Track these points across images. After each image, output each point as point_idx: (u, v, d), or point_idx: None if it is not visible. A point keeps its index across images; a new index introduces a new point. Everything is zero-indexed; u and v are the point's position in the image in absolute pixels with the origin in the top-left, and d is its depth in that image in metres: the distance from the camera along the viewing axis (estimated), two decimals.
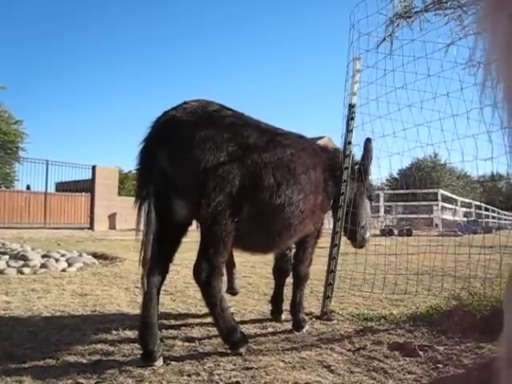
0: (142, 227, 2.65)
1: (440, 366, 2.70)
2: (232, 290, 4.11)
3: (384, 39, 4.37)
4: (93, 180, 19.16)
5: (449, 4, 4.06)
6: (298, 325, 3.50)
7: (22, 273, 5.87)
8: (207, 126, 2.77)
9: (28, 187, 19.19)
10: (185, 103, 2.87)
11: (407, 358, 2.83)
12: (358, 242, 4.04)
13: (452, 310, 3.58)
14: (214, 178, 2.68)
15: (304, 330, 3.47)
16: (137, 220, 2.74)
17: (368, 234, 4.15)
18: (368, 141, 3.98)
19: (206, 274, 2.74)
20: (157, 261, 2.74)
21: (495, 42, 0.67)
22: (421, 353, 2.89)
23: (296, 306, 3.59)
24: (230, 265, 3.98)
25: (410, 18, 4.46)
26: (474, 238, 6.38)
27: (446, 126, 3.62)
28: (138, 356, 2.71)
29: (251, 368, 2.60)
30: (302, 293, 3.71)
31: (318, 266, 5.54)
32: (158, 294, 2.81)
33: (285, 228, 3.13)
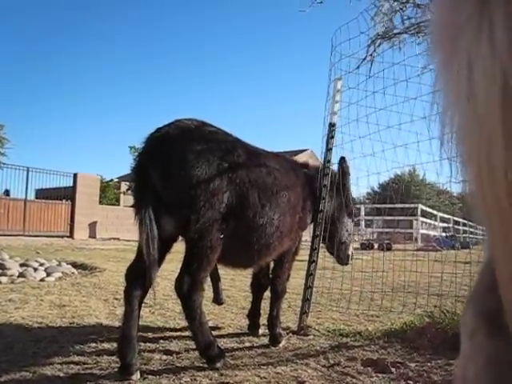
0: (143, 239, 2.66)
1: (411, 382, 2.78)
2: (218, 300, 4.18)
3: (365, 58, 4.51)
4: (74, 188, 19.01)
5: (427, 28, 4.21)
6: (274, 340, 3.55)
7: None
8: (199, 144, 2.87)
9: (7, 192, 18.93)
10: (177, 121, 2.97)
11: (380, 375, 2.91)
12: (340, 259, 4.15)
13: (425, 327, 3.67)
14: (204, 194, 2.77)
15: (280, 344, 3.53)
16: (139, 233, 2.74)
17: (350, 251, 4.23)
18: (342, 159, 4.11)
19: (188, 287, 2.79)
20: (140, 275, 2.78)
21: (447, 88, 0.65)
22: (393, 369, 2.97)
23: (273, 320, 3.64)
24: (215, 276, 4.03)
25: (390, 38, 4.61)
26: (451, 254, 6.53)
27: (423, 147, 3.75)
28: (116, 369, 2.73)
29: (227, 383, 2.65)
30: (279, 307, 3.78)
31: (297, 280, 5.60)
32: (140, 307, 2.85)
33: (265, 246, 3.23)
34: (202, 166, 2.78)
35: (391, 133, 3.94)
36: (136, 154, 2.95)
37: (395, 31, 4.57)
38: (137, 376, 2.66)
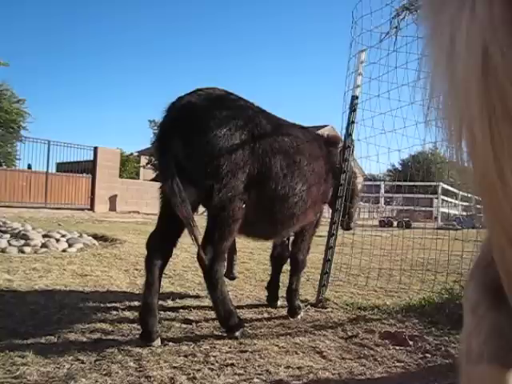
0: (176, 203, 2.63)
1: (428, 355, 2.79)
2: (231, 275, 4.20)
3: (388, 33, 4.38)
4: (94, 161, 19.17)
5: None
6: (293, 311, 3.58)
7: (23, 252, 5.94)
8: (222, 113, 2.84)
9: (29, 166, 19.21)
10: (199, 90, 2.93)
11: (397, 347, 2.92)
12: (345, 223, 4.18)
13: (444, 303, 3.66)
14: (227, 164, 2.76)
15: (299, 316, 3.56)
16: (172, 201, 2.67)
17: (356, 216, 4.29)
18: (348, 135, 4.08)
19: (210, 257, 2.81)
20: (161, 244, 2.83)
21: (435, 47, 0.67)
22: (411, 342, 2.98)
23: (292, 292, 3.67)
24: (231, 251, 4.05)
25: (416, 10, 4.46)
26: (472, 232, 6.44)
27: None
28: (137, 336, 2.80)
29: (246, 351, 2.69)
30: (299, 280, 3.80)
31: (316, 255, 5.62)
32: (161, 276, 2.89)
33: (288, 217, 3.23)
34: (225, 134, 2.76)
35: (413, 110, 3.84)
36: (156, 127, 2.95)
37: (420, 3, 4.42)
38: (158, 342, 2.72)
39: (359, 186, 4.46)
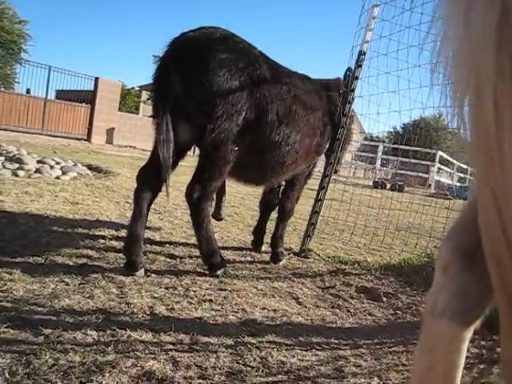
0: (159, 142, 2.68)
1: (399, 312, 2.92)
2: (217, 215, 4.26)
3: None
4: (94, 92, 18.85)
5: None
6: (275, 257, 3.68)
7: (16, 175, 5.96)
8: (223, 53, 2.81)
9: (28, 91, 18.87)
10: (203, 28, 2.90)
11: (371, 302, 3.04)
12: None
13: (422, 266, 3.77)
14: (223, 105, 2.75)
15: (281, 263, 3.67)
16: (157, 137, 2.75)
17: (346, 158, 4.32)
18: (348, 70, 4.02)
19: (198, 195, 2.86)
20: (151, 179, 2.87)
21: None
22: (384, 299, 3.10)
23: (277, 239, 3.76)
24: (221, 192, 4.10)
25: None
26: (460, 203, 6.52)
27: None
28: (122, 265, 2.88)
29: (225, 290, 2.80)
30: (285, 228, 3.88)
31: (305, 207, 5.71)
32: (148, 209, 2.95)
33: (279, 164, 3.26)
34: (224, 75, 2.74)
35: (419, 73, 3.79)
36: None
37: None
38: (141, 273, 2.81)
39: (353, 134, 4.46)
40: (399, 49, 3.81)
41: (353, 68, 4.03)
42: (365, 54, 4.03)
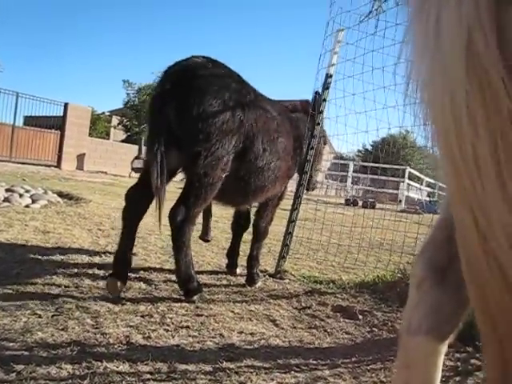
0: (153, 175, 2.71)
1: (375, 329, 2.95)
2: (204, 237, 4.30)
3: (370, 13, 4.39)
4: (64, 118, 18.66)
5: None
6: (251, 280, 3.69)
7: None
8: (217, 83, 2.95)
9: None
10: (195, 57, 3.03)
11: (347, 320, 3.07)
12: (310, 184, 4.31)
13: (396, 282, 3.83)
14: (218, 133, 2.86)
15: (256, 285, 3.67)
16: (151, 168, 2.75)
17: (319, 178, 4.44)
18: (317, 94, 4.14)
19: (182, 218, 2.87)
20: (140, 198, 2.96)
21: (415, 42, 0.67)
22: (360, 317, 3.14)
23: (252, 261, 3.77)
24: (207, 214, 4.14)
25: None
26: (430, 217, 6.66)
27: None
28: (96, 294, 2.85)
29: (201, 315, 2.78)
30: (260, 248, 3.91)
31: (279, 228, 5.73)
32: (136, 227, 3.05)
33: (260, 188, 3.39)
34: (218, 103, 2.86)
35: (384, 93, 3.92)
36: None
37: None
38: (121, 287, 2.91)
39: (325, 154, 4.60)
40: (364, 71, 3.95)
41: (320, 91, 4.13)
42: (331, 76, 4.15)
